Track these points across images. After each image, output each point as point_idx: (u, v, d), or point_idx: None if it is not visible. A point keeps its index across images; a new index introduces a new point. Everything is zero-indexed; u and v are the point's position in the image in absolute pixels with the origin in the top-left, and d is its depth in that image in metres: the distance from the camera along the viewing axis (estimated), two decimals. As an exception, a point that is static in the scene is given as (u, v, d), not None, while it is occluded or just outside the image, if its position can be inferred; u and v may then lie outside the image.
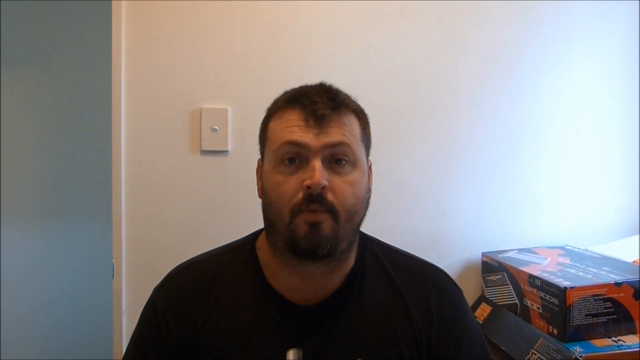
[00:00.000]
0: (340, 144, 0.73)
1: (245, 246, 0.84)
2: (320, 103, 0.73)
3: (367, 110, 0.82)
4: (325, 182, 0.70)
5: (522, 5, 1.38)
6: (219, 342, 0.76)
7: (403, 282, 0.81)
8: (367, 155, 0.80)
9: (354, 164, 0.74)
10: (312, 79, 0.82)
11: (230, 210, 1.34)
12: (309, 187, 0.69)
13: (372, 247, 0.85)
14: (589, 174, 1.43)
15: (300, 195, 0.70)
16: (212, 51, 1.33)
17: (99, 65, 1.61)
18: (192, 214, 1.34)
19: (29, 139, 2.09)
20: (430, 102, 1.37)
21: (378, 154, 1.32)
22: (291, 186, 0.71)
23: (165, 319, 0.78)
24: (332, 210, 0.70)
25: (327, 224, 0.70)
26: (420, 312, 0.79)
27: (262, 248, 0.81)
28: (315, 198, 0.69)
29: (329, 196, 0.70)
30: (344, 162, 0.73)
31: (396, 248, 0.88)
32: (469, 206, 1.39)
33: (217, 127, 1.33)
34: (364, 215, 0.77)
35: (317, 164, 0.70)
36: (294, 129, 0.73)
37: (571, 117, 1.41)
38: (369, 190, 0.78)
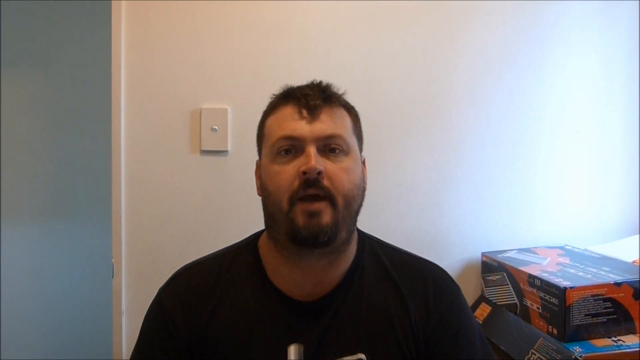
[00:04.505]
0: (333, 134, 0.75)
1: (248, 246, 0.85)
2: (312, 95, 0.76)
3: (366, 111, 0.83)
4: (320, 167, 0.72)
5: (521, 5, 1.38)
6: (223, 339, 0.77)
7: (401, 279, 0.82)
8: (361, 150, 0.82)
9: (347, 152, 0.76)
10: (312, 79, 0.83)
11: (230, 210, 1.34)
12: (304, 173, 0.71)
13: (370, 245, 0.86)
14: (588, 174, 1.43)
15: (297, 182, 0.72)
16: (211, 51, 1.33)
17: (99, 65, 1.61)
18: (192, 214, 1.34)
19: (29, 139, 2.09)
20: (430, 103, 1.37)
21: (378, 154, 1.34)
22: (288, 175, 0.73)
23: (171, 317, 0.79)
24: (329, 196, 0.72)
25: (326, 212, 0.72)
26: (418, 308, 0.80)
27: (264, 246, 0.83)
28: (311, 183, 0.71)
29: (326, 182, 0.72)
30: (337, 150, 0.75)
31: (394, 246, 0.89)
32: (469, 206, 1.39)
33: (216, 127, 1.33)
34: (361, 204, 0.78)
35: (312, 150, 0.73)
36: (289, 122, 0.76)
37: (571, 117, 1.41)
38: (363, 180, 0.80)
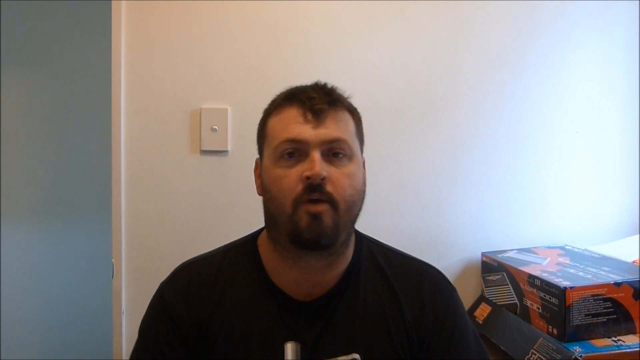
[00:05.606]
0: (338, 139, 0.75)
1: (247, 244, 0.86)
2: (317, 99, 0.76)
3: (368, 111, 0.83)
4: (324, 173, 0.72)
5: (522, 6, 1.38)
6: (223, 336, 0.78)
7: (397, 280, 0.83)
8: (362, 151, 0.82)
9: (350, 157, 0.76)
10: (312, 79, 0.83)
11: (230, 210, 1.34)
12: (308, 178, 0.71)
13: (368, 246, 0.86)
14: (589, 174, 1.43)
15: (300, 186, 0.72)
16: (212, 51, 1.33)
17: (99, 65, 1.61)
18: (192, 214, 1.34)
19: (29, 139, 2.09)
20: (431, 103, 1.37)
21: (379, 154, 1.34)
22: (292, 179, 0.73)
23: (176, 310, 0.79)
24: (331, 201, 0.72)
25: (328, 215, 0.72)
26: (412, 308, 0.80)
27: (263, 245, 0.83)
28: (315, 188, 0.71)
29: (328, 187, 0.72)
30: (341, 155, 0.75)
31: (391, 247, 0.89)
32: (469, 206, 1.38)
33: (216, 127, 1.33)
34: (361, 207, 0.79)
35: (317, 155, 0.73)
36: (293, 125, 0.75)
37: (571, 117, 1.41)
38: (364, 184, 0.80)
